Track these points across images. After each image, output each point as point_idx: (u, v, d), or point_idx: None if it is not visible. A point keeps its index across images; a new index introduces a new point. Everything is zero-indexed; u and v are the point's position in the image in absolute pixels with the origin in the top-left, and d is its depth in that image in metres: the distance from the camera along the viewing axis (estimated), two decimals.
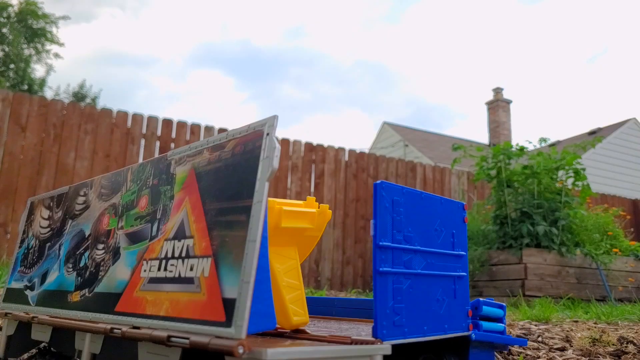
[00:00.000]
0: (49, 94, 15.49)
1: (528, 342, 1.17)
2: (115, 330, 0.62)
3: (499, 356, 1.11)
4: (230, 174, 0.60)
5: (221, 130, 4.19)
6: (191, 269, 0.59)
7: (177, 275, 0.61)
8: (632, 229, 5.39)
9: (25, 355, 1.01)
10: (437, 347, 0.78)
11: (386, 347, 0.60)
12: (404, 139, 12.73)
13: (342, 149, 4.80)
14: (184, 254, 0.61)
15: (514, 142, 6.25)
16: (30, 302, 0.91)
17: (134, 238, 0.73)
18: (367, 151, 6.47)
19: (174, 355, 0.56)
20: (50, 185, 3.70)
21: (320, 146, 4.70)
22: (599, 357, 1.14)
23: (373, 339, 0.61)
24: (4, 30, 14.55)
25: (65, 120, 3.83)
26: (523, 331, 1.45)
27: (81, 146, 3.85)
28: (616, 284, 3.57)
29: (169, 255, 0.64)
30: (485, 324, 0.83)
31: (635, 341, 1.28)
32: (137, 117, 4.06)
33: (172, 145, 4.12)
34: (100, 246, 0.80)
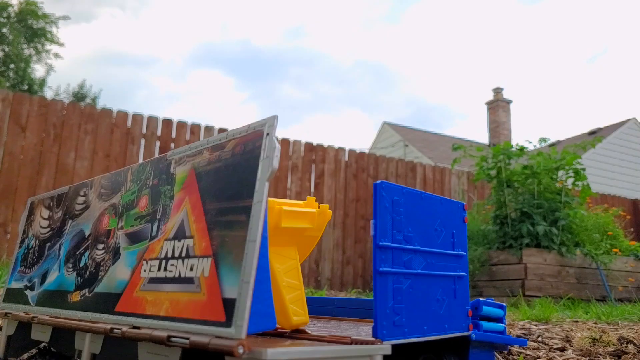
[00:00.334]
0: (49, 94, 15.51)
1: (528, 342, 1.17)
2: (115, 330, 0.62)
3: (499, 356, 1.11)
4: (230, 174, 0.60)
5: (221, 130, 4.19)
6: (191, 269, 0.59)
7: (177, 275, 0.61)
8: (632, 229, 5.39)
9: (25, 355, 1.01)
10: (437, 347, 0.78)
11: (386, 347, 0.60)
12: (404, 139, 12.73)
13: (342, 149, 4.80)
14: (184, 254, 0.61)
15: (514, 142, 6.26)
16: (30, 302, 0.91)
17: (134, 238, 0.73)
18: (367, 151, 6.47)
19: (174, 355, 0.56)
20: (50, 185, 3.70)
21: (320, 146, 4.70)
22: (599, 357, 1.14)
23: (373, 339, 0.61)
24: (4, 30, 14.55)
25: (65, 120, 3.83)
26: (523, 331, 1.45)
27: (81, 146, 3.85)
28: (616, 284, 3.57)
29: (169, 255, 0.64)
30: (485, 324, 0.83)
31: (635, 341, 1.28)
32: (137, 117, 4.06)
33: (172, 145, 4.12)
34: (100, 246, 0.80)
